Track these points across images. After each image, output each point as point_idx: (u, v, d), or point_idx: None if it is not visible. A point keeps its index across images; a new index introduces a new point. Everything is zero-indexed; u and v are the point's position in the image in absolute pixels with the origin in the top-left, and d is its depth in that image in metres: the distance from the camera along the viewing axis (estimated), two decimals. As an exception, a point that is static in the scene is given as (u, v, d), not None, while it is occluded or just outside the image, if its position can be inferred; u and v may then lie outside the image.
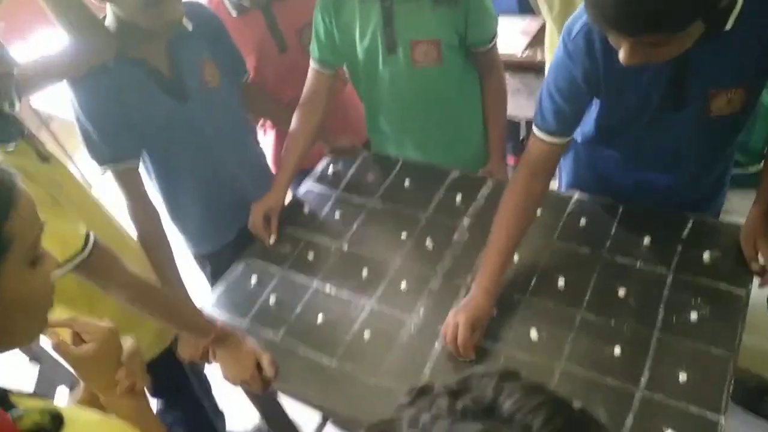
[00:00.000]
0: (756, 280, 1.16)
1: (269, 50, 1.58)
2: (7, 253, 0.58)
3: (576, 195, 1.40)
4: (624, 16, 0.80)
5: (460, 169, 1.55)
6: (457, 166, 1.56)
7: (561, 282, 1.23)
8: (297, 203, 1.59)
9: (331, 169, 1.66)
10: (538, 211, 1.31)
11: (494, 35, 1.48)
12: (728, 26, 0.92)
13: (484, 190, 1.48)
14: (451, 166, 1.56)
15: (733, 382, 1.02)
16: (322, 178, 1.65)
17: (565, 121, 1.14)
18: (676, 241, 1.25)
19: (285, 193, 1.54)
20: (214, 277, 1.60)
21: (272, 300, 1.36)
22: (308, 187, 1.64)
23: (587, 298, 1.20)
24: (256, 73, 1.60)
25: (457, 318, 1.14)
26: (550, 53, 1.73)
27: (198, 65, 1.38)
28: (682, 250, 1.23)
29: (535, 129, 1.17)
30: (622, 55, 0.88)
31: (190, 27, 1.35)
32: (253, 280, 1.41)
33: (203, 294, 1.45)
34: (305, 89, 1.54)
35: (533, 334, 1.15)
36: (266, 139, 1.81)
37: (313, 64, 1.52)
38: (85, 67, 1.23)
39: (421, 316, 1.25)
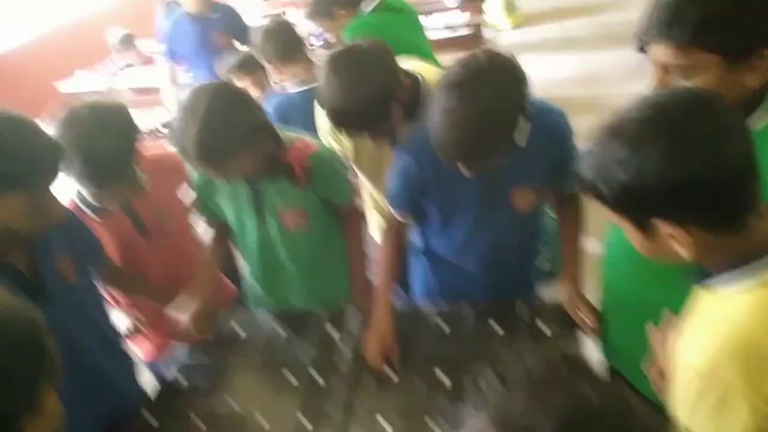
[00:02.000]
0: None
1: (135, 241, 1.66)
2: None
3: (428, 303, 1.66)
4: (462, 157, 1.24)
5: (329, 309, 1.71)
6: (329, 305, 1.73)
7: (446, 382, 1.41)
8: (171, 382, 1.57)
9: (201, 344, 1.68)
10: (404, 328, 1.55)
11: (351, 196, 1.75)
12: (522, 144, 1.30)
13: (356, 322, 1.65)
14: (321, 308, 1.72)
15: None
16: (193, 352, 1.66)
17: (408, 210, 1.57)
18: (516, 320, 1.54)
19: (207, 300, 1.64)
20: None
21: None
22: (181, 363, 1.63)
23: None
24: (122, 263, 1.64)
25: (370, 339, 1.48)
26: None
27: (54, 262, 1.38)
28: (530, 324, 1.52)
29: (392, 210, 1.59)
30: (466, 172, 1.29)
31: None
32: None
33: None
34: (211, 235, 1.75)
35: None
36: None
37: (205, 222, 1.74)
38: None
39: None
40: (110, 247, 1.59)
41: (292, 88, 2.36)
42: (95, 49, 4.55)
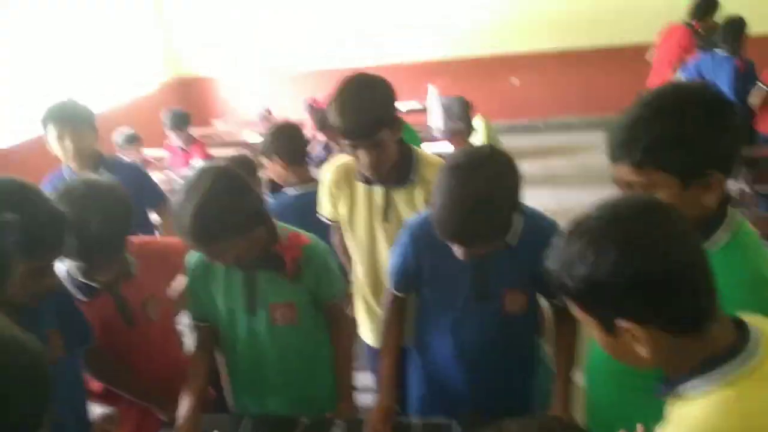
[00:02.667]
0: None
1: (119, 326, 1.63)
2: None
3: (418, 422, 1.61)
4: (456, 234, 1.32)
5: (309, 415, 1.65)
6: (311, 408, 1.67)
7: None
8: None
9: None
10: None
11: (340, 293, 1.76)
12: (514, 242, 1.38)
13: (337, 431, 1.59)
14: (304, 411, 1.66)
15: None
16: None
17: (400, 283, 1.66)
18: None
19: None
20: None
21: None
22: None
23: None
24: (104, 346, 1.60)
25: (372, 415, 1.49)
26: None
27: (43, 337, 1.36)
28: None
29: (391, 289, 1.68)
30: (460, 253, 1.35)
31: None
32: None
33: None
34: (195, 339, 1.70)
35: None
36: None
37: (194, 321, 1.70)
38: None
39: None
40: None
41: (291, 190, 2.46)
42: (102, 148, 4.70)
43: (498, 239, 1.36)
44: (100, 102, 5.76)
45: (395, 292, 1.67)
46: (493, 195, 1.29)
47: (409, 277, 1.62)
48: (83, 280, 1.59)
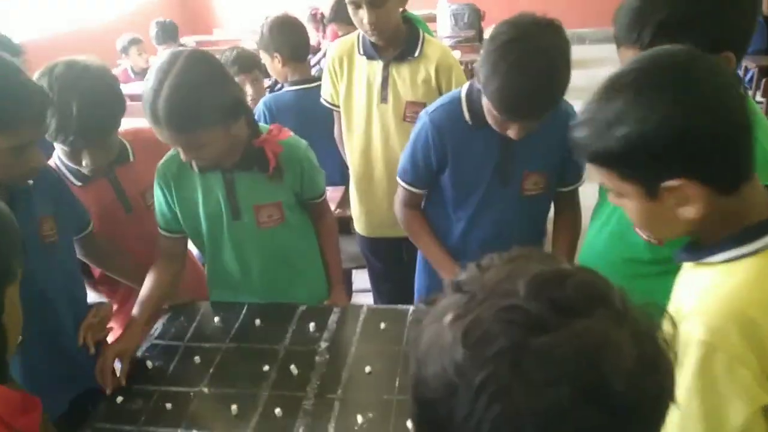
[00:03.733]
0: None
1: (116, 212, 1.62)
2: None
3: (411, 307, 1.62)
4: (530, 109, 1.28)
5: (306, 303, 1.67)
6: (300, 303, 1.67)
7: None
8: (138, 361, 1.51)
9: (172, 324, 1.63)
10: (382, 325, 1.54)
11: (324, 190, 1.71)
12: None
13: (333, 317, 1.61)
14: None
15: None
16: (164, 334, 1.60)
17: (421, 179, 1.59)
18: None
19: (139, 337, 1.48)
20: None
21: (133, 458, 1.24)
22: (149, 343, 1.57)
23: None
24: (101, 232, 1.59)
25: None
26: None
27: (36, 221, 1.35)
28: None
29: (401, 181, 1.62)
30: (513, 132, 1.32)
31: (30, 182, 1.34)
32: (104, 444, 1.27)
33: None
34: (160, 249, 1.61)
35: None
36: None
37: (160, 230, 1.60)
38: None
39: (303, 433, 1.27)
40: (91, 216, 1.55)
41: (288, 85, 2.38)
42: (105, 55, 4.58)
43: (552, 111, 1.32)
44: (99, 12, 5.56)
45: (414, 188, 1.61)
46: (557, 59, 1.25)
47: (431, 170, 1.56)
48: (73, 165, 1.56)
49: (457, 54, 4.56)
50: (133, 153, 1.66)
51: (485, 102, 1.35)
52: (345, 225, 2.59)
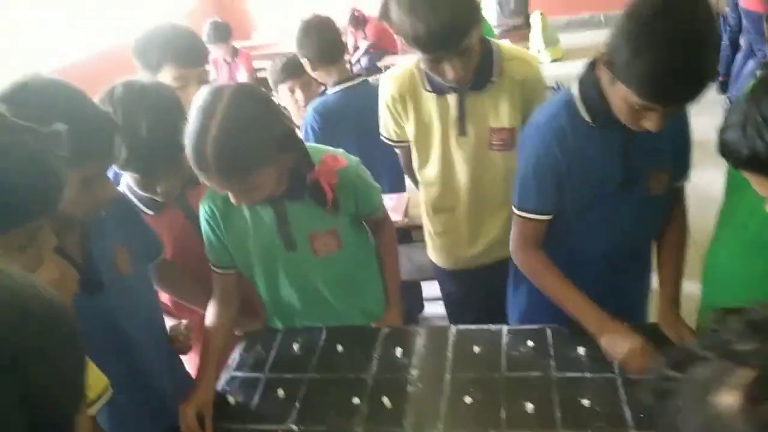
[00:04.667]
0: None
1: (189, 238, 1.54)
2: None
3: (504, 327, 1.49)
4: (683, 88, 1.08)
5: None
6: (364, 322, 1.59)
7: (529, 407, 1.25)
8: (219, 396, 1.43)
9: (249, 354, 1.55)
10: (476, 349, 1.41)
11: (380, 204, 1.59)
12: None
13: (420, 341, 1.50)
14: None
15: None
16: (242, 365, 1.52)
17: (548, 201, 1.35)
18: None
19: (213, 389, 1.40)
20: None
21: (227, 506, 1.15)
22: (229, 375, 1.49)
23: (558, 415, 1.23)
24: (174, 260, 1.53)
25: (629, 342, 1.23)
26: None
27: (110, 252, 1.28)
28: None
29: (521, 213, 1.39)
30: (652, 123, 1.14)
31: (102, 212, 1.27)
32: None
33: None
34: (214, 288, 1.52)
35: None
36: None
37: (212, 267, 1.51)
38: None
39: (406, 477, 1.16)
40: (164, 244, 1.48)
41: (331, 88, 2.27)
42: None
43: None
44: (137, 19, 5.58)
45: (540, 216, 1.37)
46: (707, 32, 1.07)
47: (560, 187, 1.33)
48: (145, 194, 1.49)
49: (506, 42, 4.40)
50: None
51: (619, 92, 1.15)
52: (408, 235, 2.48)
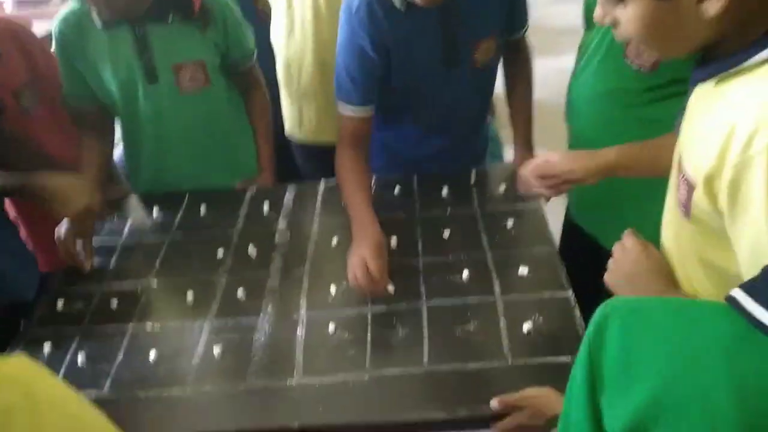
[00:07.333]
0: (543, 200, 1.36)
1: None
2: None
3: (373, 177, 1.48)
4: None
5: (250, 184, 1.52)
6: (234, 180, 1.53)
7: (393, 241, 1.27)
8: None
9: (103, 222, 1.44)
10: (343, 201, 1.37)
11: (254, 51, 1.51)
12: None
13: (289, 195, 1.46)
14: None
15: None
16: (99, 233, 1.42)
17: (365, 92, 1.25)
18: (470, 186, 1.42)
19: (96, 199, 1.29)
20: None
21: (81, 359, 1.09)
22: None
23: (420, 248, 1.25)
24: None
25: (360, 253, 1.11)
26: None
27: None
28: (477, 192, 1.40)
29: (341, 106, 1.27)
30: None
31: None
32: (46, 348, 1.12)
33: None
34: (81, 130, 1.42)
35: (390, 287, 1.15)
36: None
37: (68, 104, 1.40)
38: None
39: (271, 312, 1.15)
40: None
41: None
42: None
43: None
44: None
45: (359, 111, 1.27)
46: None
47: (375, 76, 1.25)
48: None
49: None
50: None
51: None
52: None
